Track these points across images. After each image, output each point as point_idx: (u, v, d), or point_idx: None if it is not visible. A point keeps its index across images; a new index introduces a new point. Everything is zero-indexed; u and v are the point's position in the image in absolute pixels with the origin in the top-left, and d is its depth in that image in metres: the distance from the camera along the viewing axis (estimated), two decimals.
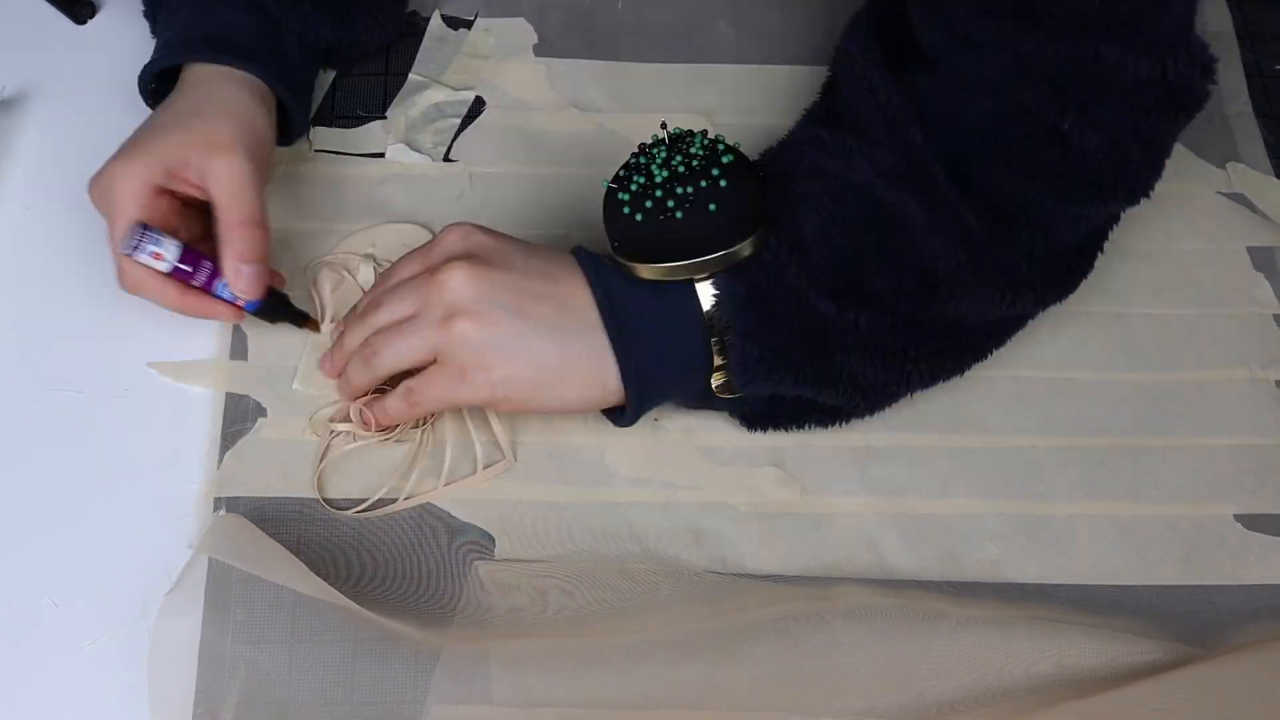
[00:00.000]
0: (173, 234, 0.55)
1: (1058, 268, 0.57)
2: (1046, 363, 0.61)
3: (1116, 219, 0.59)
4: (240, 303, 0.57)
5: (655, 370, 0.53)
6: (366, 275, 0.62)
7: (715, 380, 0.54)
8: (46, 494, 0.56)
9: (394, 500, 0.56)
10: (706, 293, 0.52)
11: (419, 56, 0.69)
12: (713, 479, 0.58)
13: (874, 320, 0.53)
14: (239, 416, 0.58)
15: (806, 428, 0.58)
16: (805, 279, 0.52)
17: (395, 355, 0.53)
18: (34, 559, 0.55)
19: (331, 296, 0.61)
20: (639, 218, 0.51)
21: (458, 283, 0.52)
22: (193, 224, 0.58)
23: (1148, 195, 0.55)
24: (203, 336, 0.60)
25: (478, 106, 0.68)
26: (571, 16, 0.71)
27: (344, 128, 0.66)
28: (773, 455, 0.58)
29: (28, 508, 0.56)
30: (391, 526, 0.56)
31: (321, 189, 0.65)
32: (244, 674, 0.51)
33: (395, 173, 0.65)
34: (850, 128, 0.55)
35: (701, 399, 0.56)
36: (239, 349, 0.60)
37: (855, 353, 0.54)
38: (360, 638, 0.52)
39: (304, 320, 0.60)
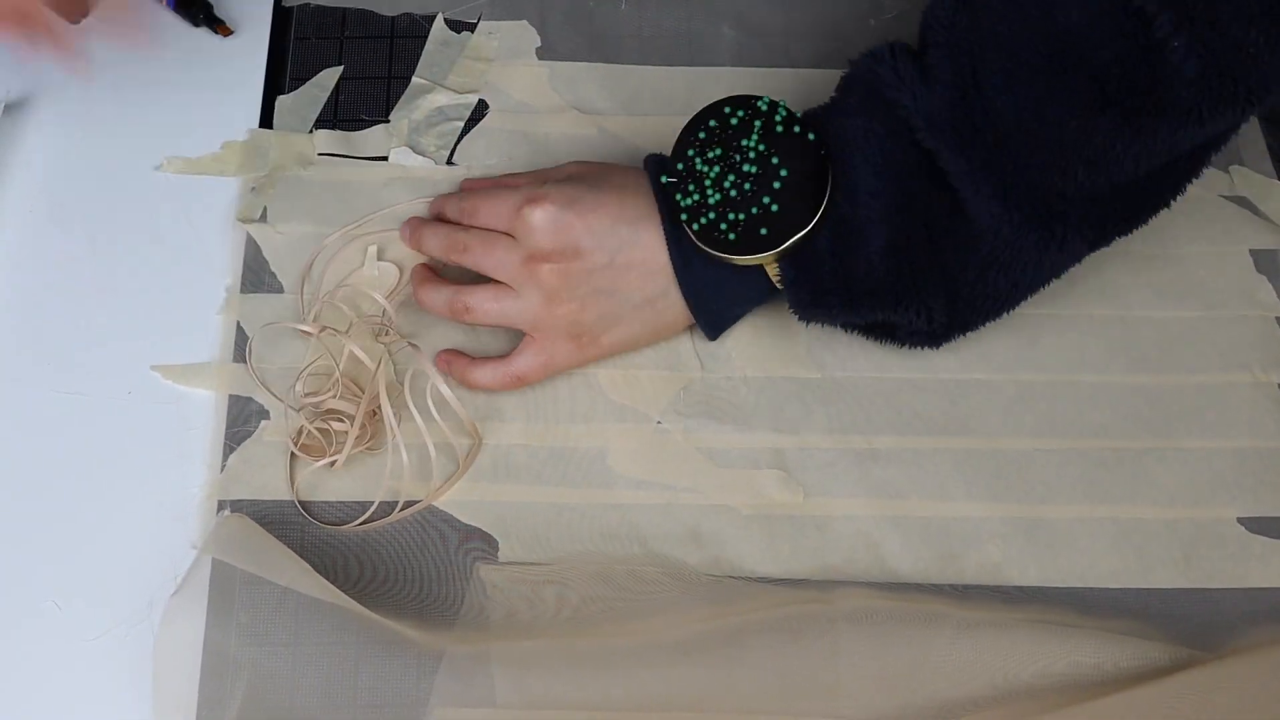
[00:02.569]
0: None
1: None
2: (1047, 365, 0.61)
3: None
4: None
5: (725, 310, 0.59)
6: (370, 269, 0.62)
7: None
8: (51, 495, 0.56)
9: (389, 512, 0.56)
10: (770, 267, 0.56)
11: (422, 60, 0.69)
12: (714, 481, 0.58)
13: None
14: (242, 419, 0.58)
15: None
16: (854, 256, 0.55)
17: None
18: (38, 560, 0.55)
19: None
20: (695, 228, 0.55)
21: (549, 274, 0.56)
22: None
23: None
24: (206, 339, 0.60)
25: (481, 109, 0.68)
26: (574, 19, 0.71)
27: (347, 131, 0.67)
28: (774, 458, 0.59)
29: (32, 509, 0.56)
30: (394, 529, 0.56)
31: (325, 192, 0.65)
32: (247, 675, 0.51)
33: (398, 176, 0.66)
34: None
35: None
36: (241, 351, 0.60)
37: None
38: (363, 639, 0.52)
39: (217, 24, 0.67)
